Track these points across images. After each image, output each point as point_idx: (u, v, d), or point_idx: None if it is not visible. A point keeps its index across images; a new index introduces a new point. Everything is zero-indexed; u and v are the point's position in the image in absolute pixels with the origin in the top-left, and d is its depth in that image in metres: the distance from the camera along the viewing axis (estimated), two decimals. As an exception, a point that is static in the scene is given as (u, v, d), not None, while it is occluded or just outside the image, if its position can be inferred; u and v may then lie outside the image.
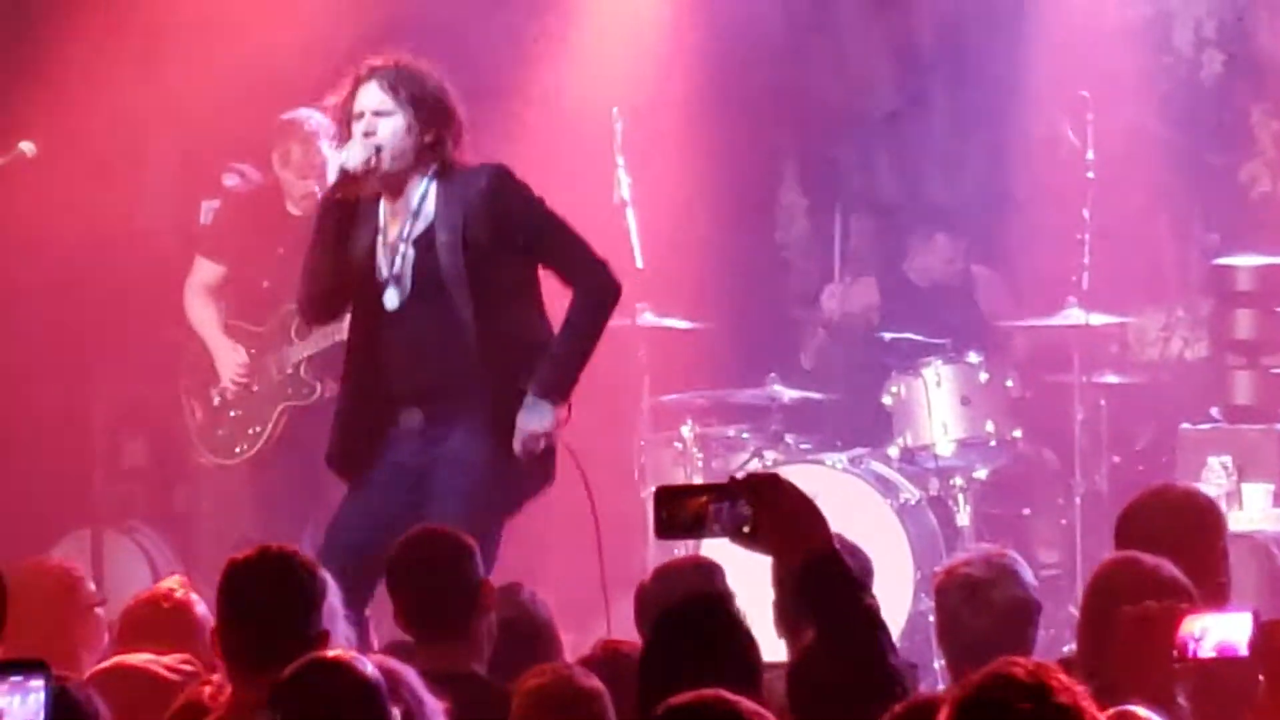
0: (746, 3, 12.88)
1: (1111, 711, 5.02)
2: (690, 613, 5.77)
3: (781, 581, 5.64)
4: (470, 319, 8.84)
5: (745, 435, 11.82)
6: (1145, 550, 6.97)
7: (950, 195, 12.87)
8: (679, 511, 5.49)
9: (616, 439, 11.78)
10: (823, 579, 5.42)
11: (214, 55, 11.89)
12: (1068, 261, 11.85)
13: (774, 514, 5.42)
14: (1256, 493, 11.24)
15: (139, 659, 6.97)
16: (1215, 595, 6.99)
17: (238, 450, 11.10)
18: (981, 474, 11.71)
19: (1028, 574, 7.13)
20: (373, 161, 8.79)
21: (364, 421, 9.04)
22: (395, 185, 8.93)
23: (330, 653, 5.76)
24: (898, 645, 5.53)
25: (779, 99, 13.23)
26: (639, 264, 11.65)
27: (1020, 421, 11.90)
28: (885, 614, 5.86)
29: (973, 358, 11.82)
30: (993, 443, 11.80)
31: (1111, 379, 12.04)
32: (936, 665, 9.18)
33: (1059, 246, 11.96)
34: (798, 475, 11.09)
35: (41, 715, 4.62)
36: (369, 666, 5.55)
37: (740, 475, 5.57)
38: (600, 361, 11.69)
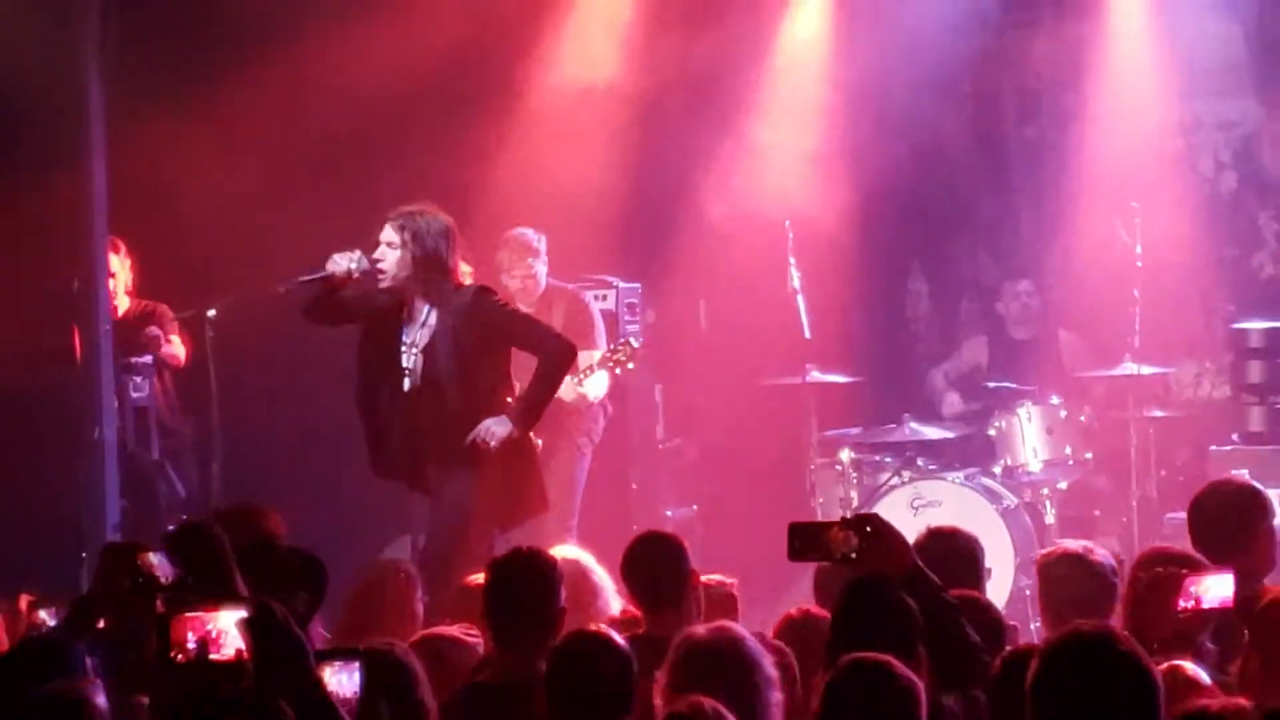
0: (879, 140, 12.69)
1: (1164, 666, 4.83)
2: (870, 587, 5.59)
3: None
4: (458, 403, 9.08)
5: (888, 460, 11.65)
6: (1211, 525, 6.94)
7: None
8: (806, 541, 5.59)
9: (795, 463, 11.78)
10: (910, 586, 5.46)
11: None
12: (1124, 327, 11.71)
13: (875, 543, 5.48)
14: (1270, 498, 11.06)
15: (446, 630, 6.84)
16: (1265, 561, 6.93)
17: None
18: (1063, 485, 11.62)
19: (1105, 555, 6.98)
20: (354, 274, 9.09)
21: (392, 466, 9.29)
22: (408, 295, 9.16)
23: (592, 627, 5.67)
24: (1003, 613, 5.58)
25: (906, 210, 13.08)
26: (807, 335, 11.64)
27: (1091, 446, 11.73)
28: (992, 589, 5.90)
29: (1054, 400, 11.72)
30: (1070, 462, 11.65)
31: (1158, 414, 11.86)
32: (1033, 627, 9.10)
33: (1117, 316, 11.78)
34: (928, 488, 11.32)
35: (359, 689, 4.58)
36: (619, 638, 5.45)
37: (850, 516, 5.61)
38: (781, 407, 11.90)
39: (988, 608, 6.21)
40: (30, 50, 10.10)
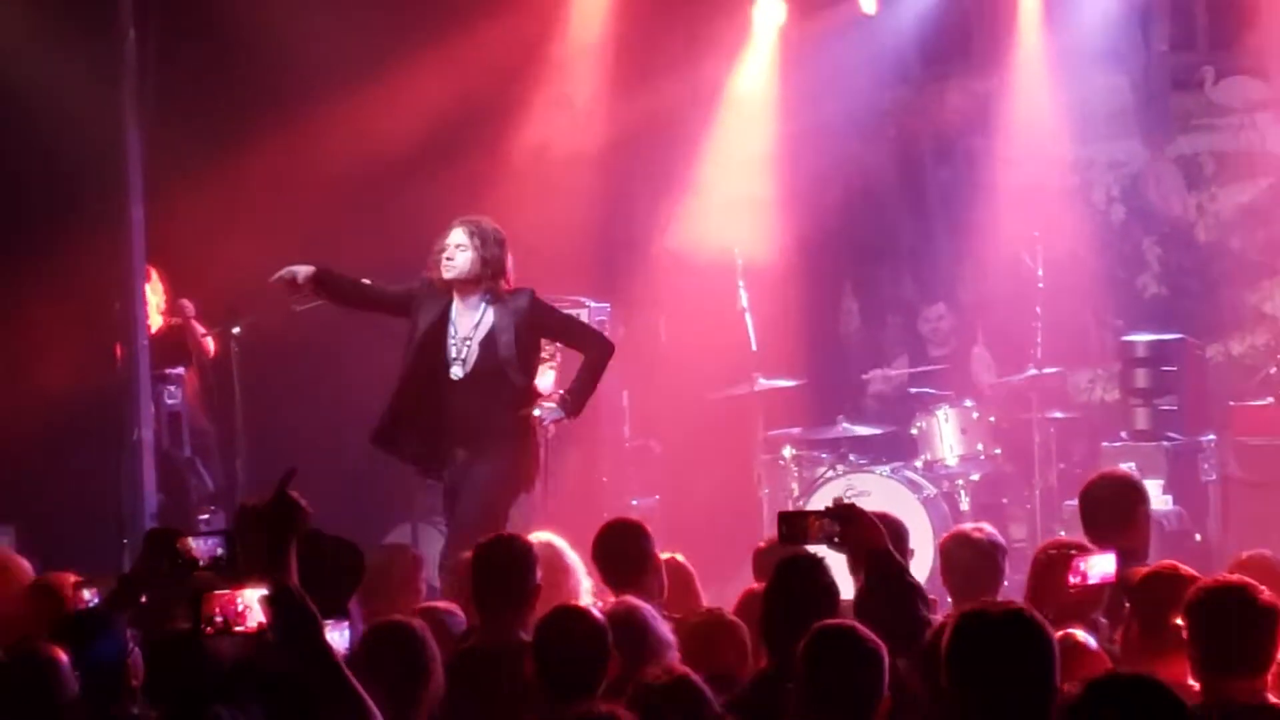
0: (815, 178, 12.73)
1: (1059, 633, 4.79)
2: (797, 566, 5.69)
3: (856, 569, 5.70)
4: (518, 384, 9.01)
5: (824, 455, 11.68)
6: (1097, 511, 7.01)
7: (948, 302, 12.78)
8: (794, 528, 5.62)
9: (743, 458, 11.83)
10: (881, 563, 5.51)
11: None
12: (1028, 340, 11.75)
13: (854, 529, 5.52)
14: (1151, 486, 10.78)
15: (438, 603, 6.84)
16: (1143, 543, 6.97)
17: None
18: (975, 477, 11.60)
19: (999, 536, 6.99)
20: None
21: (433, 452, 9.14)
22: (464, 292, 9.07)
23: (573, 602, 5.70)
24: (925, 589, 5.62)
25: (839, 239, 13.10)
26: (754, 348, 11.71)
27: (999, 443, 11.74)
28: (915, 568, 5.93)
29: (968, 403, 11.75)
30: (982, 457, 11.65)
31: (1057, 414, 11.86)
32: (949, 601, 9.15)
33: (1022, 330, 11.81)
34: (859, 480, 11.36)
35: (347, 646, 4.64)
36: (596, 612, 5.45)
37: (833, 506, 5.62)
38: (731, 410, 11.94)
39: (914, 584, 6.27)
40: (74, 102, 10.14)
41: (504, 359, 8.99)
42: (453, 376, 9.04)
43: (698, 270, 12.21)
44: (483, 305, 9.07)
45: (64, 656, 5.00)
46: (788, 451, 11.70)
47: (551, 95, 12.14)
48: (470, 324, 9.06)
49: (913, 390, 12.04)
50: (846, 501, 5.69)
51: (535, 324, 9.09)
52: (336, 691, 4.31)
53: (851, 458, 11.60)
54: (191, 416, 10.89)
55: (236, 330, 10.35)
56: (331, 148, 11.17)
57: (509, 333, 9.00)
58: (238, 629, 4.46)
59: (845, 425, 11.76)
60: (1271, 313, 12.69)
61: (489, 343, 9.02)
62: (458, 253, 9.01)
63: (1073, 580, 5.91)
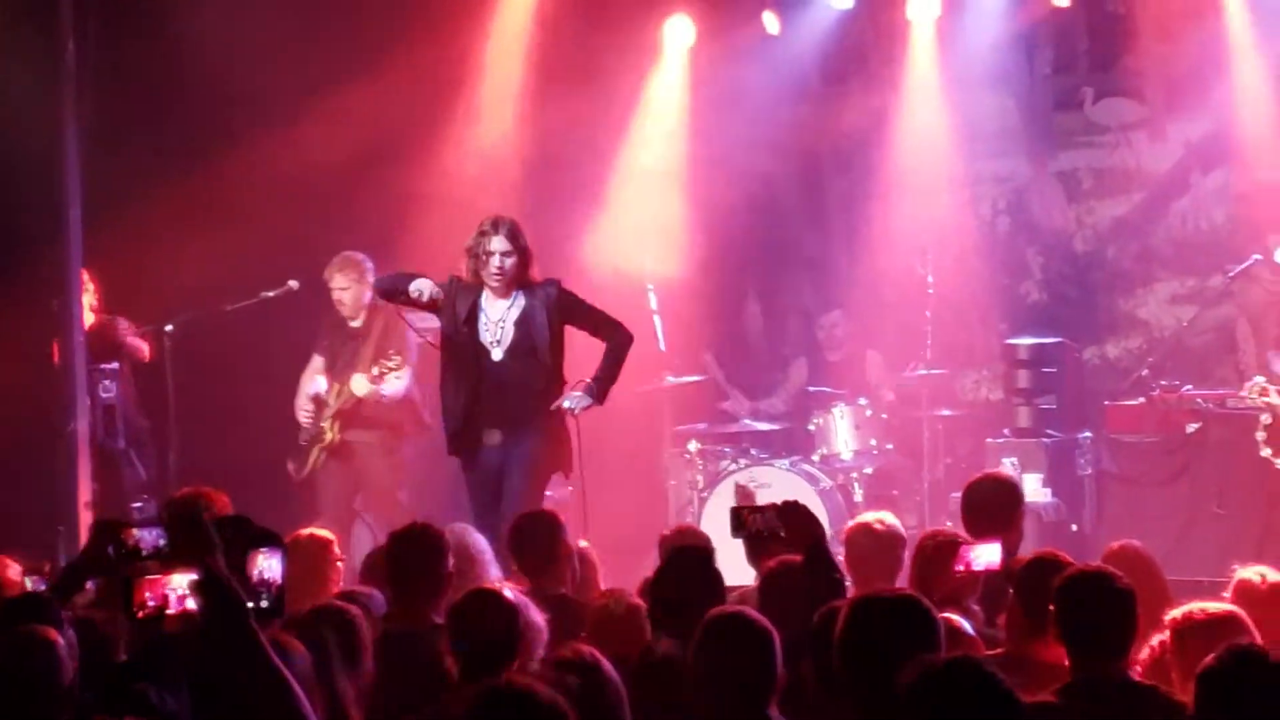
0: (723, 190, 12.68)
1: (942, 616, 4.86)
2: (685, 555, 5.86)
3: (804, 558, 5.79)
4: (551, 365, 9.03)
5: (727, 449, 11.72)
6: (977, 508, 7.09)
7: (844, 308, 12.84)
8: (741, 522, 5.82)
9: (653, 452, 11.87)
10: (817, 552, 5.65)
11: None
12: (918, 342, 11.83)
13: (796, 523, 5.71)
14: (1031, 480, 11.14)
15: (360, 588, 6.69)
16: (1018, 538, 7.05)
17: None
18: (869, 470, 11.68)
19: (900, 527, 7.18)
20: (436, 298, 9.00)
21: (466, 431, 9.09)
22: (503, 289, 9.10)
23: (485, 585, 5.66)
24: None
25: (745, 247, 13.11)
26: (663, 348, 11.75)
27: (891, 439, 11.83)
28: None
29: (862, 401, 11.81)
30: (875, 451, 11.72)
31: (945, 412, 11.94)
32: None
33: (914, 333, 11.88)
34: (760, 473, 11.40)
35: (281, 574, 4.49)
36: (510, 593, 5.43)
37: (781, 504, 5.80)
38: (641, 406, 11.93)
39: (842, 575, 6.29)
40: (13, 102, 10.03)
41: (539, 340, 9.02)
42: (494, 358, 9.07)
43: (612, 276, 12.18)
44: (514, 293, 9.10)
45: (59, 638, 4.91)
46: (693, 446, 11.72)
47: (467, 115, 12.09)
48: (502, 310, 9.09)
49: (811, 389, 12.09)
50: (793, 500, 5.81)
51: (564, 310, 9.12)
52: (262, 674, 4.29)
53: (753, 451, 11.65)
54: (126, 409, 10.80)
55: (169, 328, 10.52)
56: (269, 153, 11.09)
57: (542, 315, 9.04)
58: (167, 613, 4.43)
59: (747, 421, 11.82)
60: (1144, 318, 12.81)
61: (524, 324, 9.06)
62: (505, 260, 9.04)
63: (959, 568, 5.95)
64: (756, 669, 4.84)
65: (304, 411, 10.74)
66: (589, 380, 9.14)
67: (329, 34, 11.42)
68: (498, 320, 9.09)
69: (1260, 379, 10.38)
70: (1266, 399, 9.76)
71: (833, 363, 12.39)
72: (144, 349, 10.79)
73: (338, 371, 10.70)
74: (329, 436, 10.66)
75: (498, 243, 9.04)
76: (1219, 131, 12.29)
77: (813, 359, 12.51)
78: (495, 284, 9.06)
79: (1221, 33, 11.97)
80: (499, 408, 9.03)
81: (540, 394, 9.03)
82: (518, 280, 9.09)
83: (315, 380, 10.72)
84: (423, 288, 9.04)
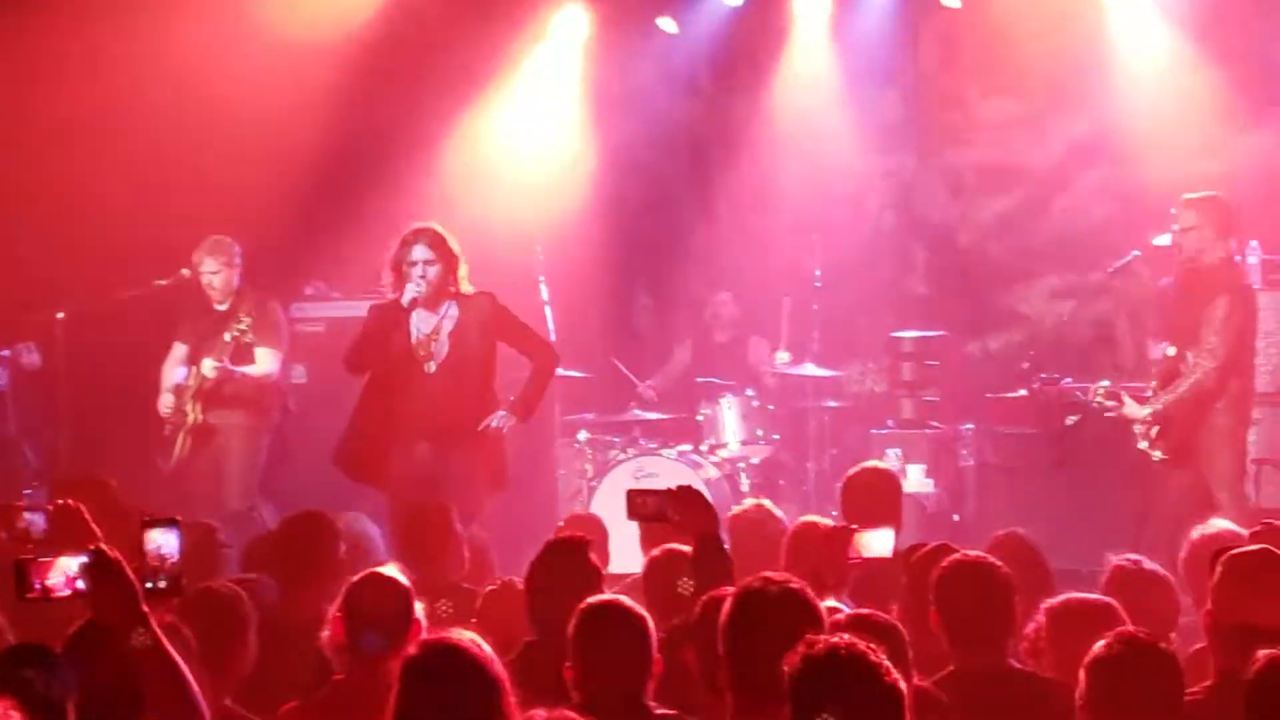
0: (613, 183, 12.75)
1: (825, 605, 4.79)
2: (563, 545, 5.86)
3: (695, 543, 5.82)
4: (483, 381, 9.05)
5: (617, 439, 11.71)
6: (857, 499, 7.18)
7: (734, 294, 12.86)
8: (639, 505, 5.81)
9: (542, 442, 11.74)
10: (708, 540, 5.62)
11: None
12: (805, 334, 11.89)
13: (689, 508, 5.71)
14: (914, 470, 11.26)
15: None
16: (897, 527, 6.95)
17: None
18: (755, 460, 11.65)
19: (780, 513, 7.29)
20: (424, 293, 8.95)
21: (379, 443, 9.02)
22: (431, 302, 9.06)
23: (382, 570, 5.55)
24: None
25: (634, 239, 13.13)
26: (552, 338, 11.70)
27: (778, 429, 11.83)
28: None
29: (749, 392, 11.82)
30: (761, 442, 11.70)
31: (831, 404, 12.02)
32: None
33: (800, 324, 11.88)
34: (649, 462, 11.39)
35: (177, 551, 4.47)
36: (400, 576, 5.38)
37: (676, 489, 5.78)
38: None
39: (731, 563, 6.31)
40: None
41: (473, 354, 8.99)
42: (427, 371, 9.02)
43: (502, 266, 12.10)
44: (444, 305, 9.04)
45: None
46: (583, 435, 11.70)
47: (353, 96, 11.96)
48: (433, 324, 9.03)
49: (699, 380, 12.11)
50: (689, 485, 5.83)
51: (495, 326, 9.09)
52: (151, 656, 4.26)
53: (642, 441, 11.64)
54: (17, 397, 10.67)
55: (60, 316, 10.37)
56: (169, 112, 10.94)
57: (475, 330, 9.00)
58: (57, 595, 4.39)
59: (636, 411, 11.85)
60: (1026, 313, 12.97)
61: (459, 338, 9.02)
62: (429, 269, 8.97)
63: (853, 555, 5.96)
64: (631, 657, 4.85)
65: (166, 404, 10.44)
66: (512, 399, 9.20)
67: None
68: (430, 334, 9.06)
69: (1105, 382, 10.43)
70: (1113, 403, 9.87)
71: (720, 344, 12.41)
72: (37, 360, 10.63)
73: (201, 356, 10.53)
74: (191, 418, 10.44)
75: (420, 251, 8.99)
76: (1100, 129, 12.46)
77: (700, 343, 12.52)
78: (421, 294, 8.99)
79: (1103, 32, 12.13)
80: (431, 422, 8.98)
81: (472, 408, 9.01)
82: (444, 289, 9.02)
83: (176, 371, 10.47)
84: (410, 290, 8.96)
